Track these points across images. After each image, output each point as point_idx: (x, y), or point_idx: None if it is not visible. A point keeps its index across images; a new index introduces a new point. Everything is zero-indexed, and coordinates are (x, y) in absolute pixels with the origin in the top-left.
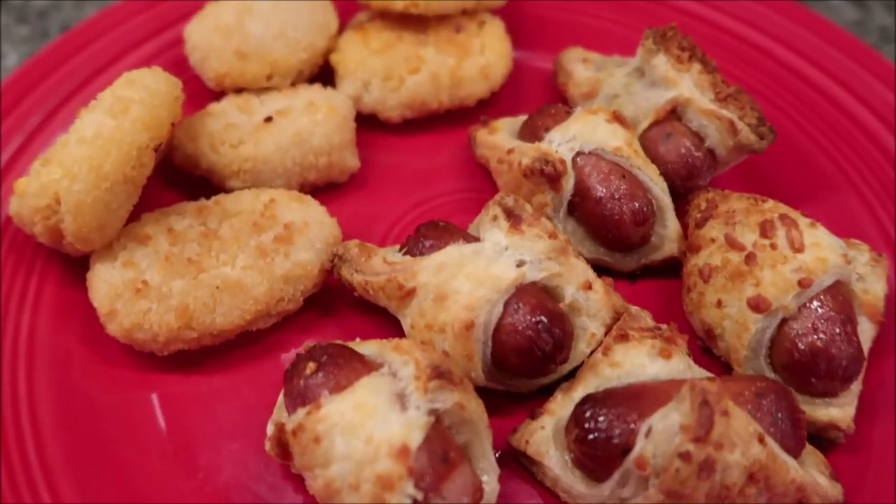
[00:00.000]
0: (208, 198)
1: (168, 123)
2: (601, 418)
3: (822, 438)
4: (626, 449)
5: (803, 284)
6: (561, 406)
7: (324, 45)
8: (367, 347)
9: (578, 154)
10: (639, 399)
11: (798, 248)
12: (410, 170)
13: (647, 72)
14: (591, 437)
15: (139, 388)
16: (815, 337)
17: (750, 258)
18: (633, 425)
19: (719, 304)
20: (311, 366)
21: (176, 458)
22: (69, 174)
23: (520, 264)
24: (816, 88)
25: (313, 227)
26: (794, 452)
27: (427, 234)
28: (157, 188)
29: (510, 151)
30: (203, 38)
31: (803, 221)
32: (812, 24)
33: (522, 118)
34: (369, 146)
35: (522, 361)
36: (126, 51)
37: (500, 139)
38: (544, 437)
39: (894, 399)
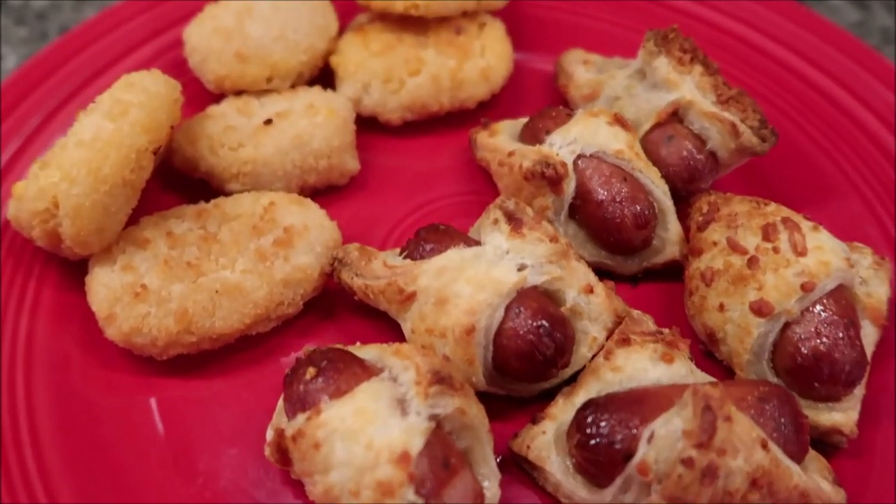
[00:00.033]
0: (207, 201)
1: (167, 126)
2: (603, 423)
3: (824, 443)
4: (629, 454)
5: (806, 288)
6: (562, 411)
7: (324, 47)
8: (367, 352)
9: (580, 157)
10: (641, 404)
11: (801, 252)
12: (411, 172)
13: (649, 74)
14: (592, 442)
15: (138, 392)
16: (819, 341)
17: (752, 262)
18: (635, 430)
19: (721, 307)
20: (311, 371)
21: (175, 462)
22: (67, 178)
23: (521, 268)
24: (818, 90)
25: (313, 230)
26: (798, 458)
27: (427, 238)
28: (156, 191)
29: (511, 154)
30: (202, 40)
31: (806, 225)
32: (813, 25)
33: (523, 120)
34: (369, 149)
35: (524, 366)
36: (125, 53)
37: (500, 142)
38: (545, 442)
39: None
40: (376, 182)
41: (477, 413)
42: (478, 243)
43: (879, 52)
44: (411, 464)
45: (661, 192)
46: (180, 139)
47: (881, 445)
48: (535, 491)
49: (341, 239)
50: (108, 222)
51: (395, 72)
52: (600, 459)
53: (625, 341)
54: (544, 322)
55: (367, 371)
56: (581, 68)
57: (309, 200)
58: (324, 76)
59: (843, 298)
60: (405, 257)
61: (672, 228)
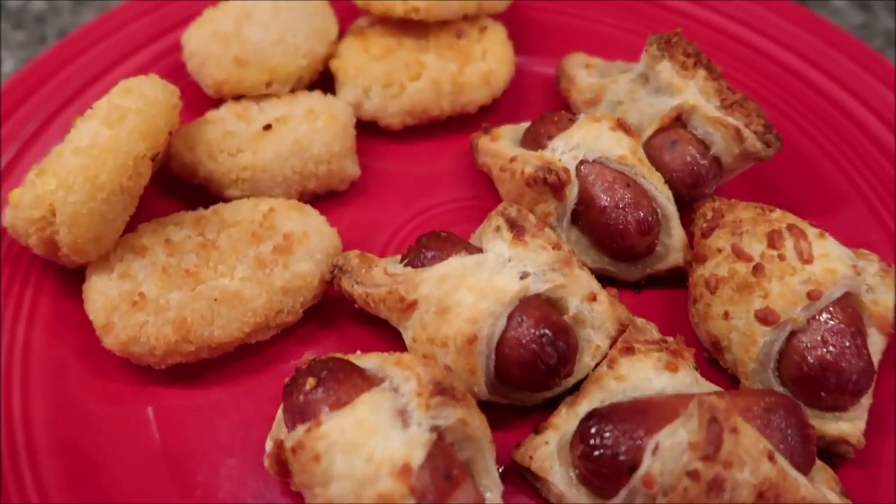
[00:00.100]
0: (206, 207)
1: (165, 132)
2: (607, 434)
3: (831, 453)
4: (633, 466)
5: (812, 296)
6: (565, 420)
7: (323, 51)
8: (367, 361)
9: (582, 162)
10: (645, 414)
11: (807, 260)
12: (411, 178)
13: (652, 78)
14: (596, 453)
15: (135, 401)
16: (825, 350)
17: (758, 269)
18: (639, 442)
19: (726, 315)
20: (311, 381)
21: (173, 473)
22: (64, 185)
23: (523, 276)
24: (822, 93)
25: (313, 237)
26: (804, 469)
27: (429, 245)
28: (155, 197)
29: (513, 160)
30: (201, 44)
31: (812, 232)
32: (817, 28)
33: (525, 125)
34: (370, 154)
35: (526, 375)
36: (123, 57)
37: (502, 147)
38: (548, 453)
39: None
40: (377, 187)
41: (479, 424)
42: (479, 251)
43: (883, 55)
44: (412, 476)
45: (664, 197)
46: (179, 145)
47: (888, 455)
48: (538, 502)
49: (341, 246)
50: (105, 230)
51: (396, 76)
52: (604, 471)
53: (628, 350)
54: (547, 331)
55: (367, 381)
56: (583, 72)
57: (309, 207)
58: (324, 80)
59: (849, 306)
60: (406, 265)
61: (676, 235)
